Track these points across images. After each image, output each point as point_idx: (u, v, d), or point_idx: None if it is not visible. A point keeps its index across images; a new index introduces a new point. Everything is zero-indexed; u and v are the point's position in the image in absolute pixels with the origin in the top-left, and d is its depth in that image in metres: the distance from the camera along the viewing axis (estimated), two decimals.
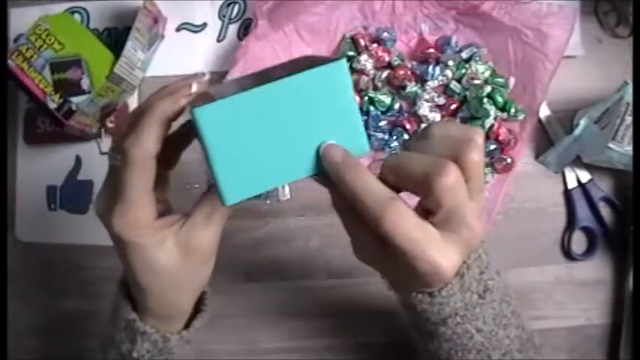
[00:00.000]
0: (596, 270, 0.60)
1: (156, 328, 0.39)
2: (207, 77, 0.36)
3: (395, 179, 0.33)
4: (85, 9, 0.66)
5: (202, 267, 0.38)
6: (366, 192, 0.32)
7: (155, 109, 0.34)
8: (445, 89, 0.61)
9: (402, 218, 0.31)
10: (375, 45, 0.62)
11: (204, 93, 0.35)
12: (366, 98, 0.61)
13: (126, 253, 0.36)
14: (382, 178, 0.33)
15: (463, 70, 0.60)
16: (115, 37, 0.65)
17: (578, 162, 0.60)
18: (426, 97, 0.60)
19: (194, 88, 0.35)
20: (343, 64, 0.31)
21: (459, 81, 0.60)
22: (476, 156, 0.32)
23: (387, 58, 0.61)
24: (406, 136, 0.61)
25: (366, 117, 0.61)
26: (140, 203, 0.35)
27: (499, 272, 0.39)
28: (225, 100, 0.29)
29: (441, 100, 0.60)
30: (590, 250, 0.60)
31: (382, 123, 0.61)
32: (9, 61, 0.56)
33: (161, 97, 0.35)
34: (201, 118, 0.29)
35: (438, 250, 0.32)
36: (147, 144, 0.33)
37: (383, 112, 0.61)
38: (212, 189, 0.35)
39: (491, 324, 0.38)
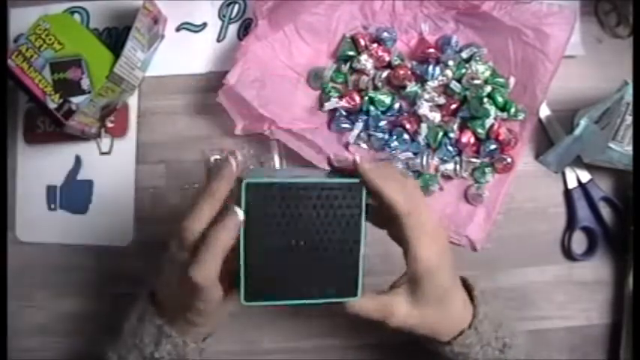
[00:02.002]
0: (596, 270, 0.60)
1: (180, 334, 0.44)
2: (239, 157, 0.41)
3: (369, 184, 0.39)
4: (85, 9, 0.66)
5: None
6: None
7: (217, 241, 0.37)
8: (445, 89, 0.61)
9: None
10: (375, 45, 0.62)
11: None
12: (366, 98, 0.61)
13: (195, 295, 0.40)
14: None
15: (463, 70, 0.60)
16: (115, 37, 0.65)
17: (578, 162, 0.60)
18: (426, 96, 0.59)
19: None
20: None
21: (459, 81, 0.60)
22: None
23: (387, 58, 0.61)
24: (406, 136, 0.61)
25: (366, 117, 0.61)
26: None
27: (516, 333, 0.45)
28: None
29: (441, 100, 0.60)
30: (590, 250, 0.60)
31: (382, 123, 0.61)
32: (9, 61, 0.56)
33: (219, 227, 0.37)
34: None
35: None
36: (209, 272, 0.38)
37: (383, 112, 0.61)
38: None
39: None
